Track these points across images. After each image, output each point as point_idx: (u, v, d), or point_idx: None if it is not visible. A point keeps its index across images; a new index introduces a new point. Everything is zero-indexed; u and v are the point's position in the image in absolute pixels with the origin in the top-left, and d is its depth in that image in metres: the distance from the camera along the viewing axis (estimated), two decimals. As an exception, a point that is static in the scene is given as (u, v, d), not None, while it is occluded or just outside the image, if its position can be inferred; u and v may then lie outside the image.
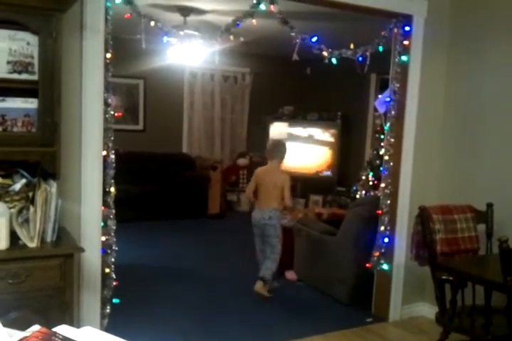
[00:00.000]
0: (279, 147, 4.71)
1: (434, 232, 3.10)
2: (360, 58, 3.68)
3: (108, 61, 2.93)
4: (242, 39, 5.17)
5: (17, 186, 2.45)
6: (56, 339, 0.85)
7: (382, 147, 4.36)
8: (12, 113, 2.41)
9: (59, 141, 2.50)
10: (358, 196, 5.54)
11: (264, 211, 4.53)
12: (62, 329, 0.91)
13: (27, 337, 0.84)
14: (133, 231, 5.91)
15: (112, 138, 3.01)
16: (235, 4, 4.72)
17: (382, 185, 3.97)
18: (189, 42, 3.54)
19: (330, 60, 3.58)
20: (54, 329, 0.89)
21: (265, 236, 4.55)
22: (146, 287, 4.54)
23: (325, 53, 3.55)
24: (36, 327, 0.88)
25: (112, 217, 3.06)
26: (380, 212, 3.94)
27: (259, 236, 4.62)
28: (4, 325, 1.02)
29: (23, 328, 0.98)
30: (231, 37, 3.44)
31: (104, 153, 2.98)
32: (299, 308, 4.23)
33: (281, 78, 8.48)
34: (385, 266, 3.94)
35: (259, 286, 4.44)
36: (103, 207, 3.01)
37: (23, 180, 2.48)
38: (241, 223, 6.83)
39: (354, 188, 5.85)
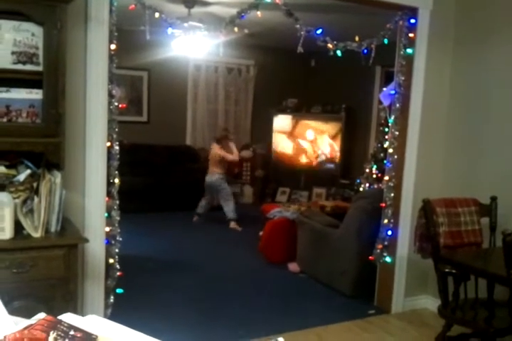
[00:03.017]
0: (228, 135, 6.90)
1: (438, 225, 3.11)
2: (365, 51, 3.65)
3: (112, 52, 2.93)
4: (246, 31, 5.15)
5: (21, 176, 2.46)
6: (61, 327, 0.86)
7: (386, 140, 4.34)
8: (17, 104, 2.42)
9: (63, 131, 2.51)
10: (361, 189, 5.53)
11: (213, 176, 6.66)
12: (68, 318, 0.92)
13: (33, 324, 0.85)
14: (137, 223, 5.93)
15: (116, 129, 3.01)
16: (240, -4, 4.70)
17: (386, 177, 3.97)
18: (193, 34, 3.52)
19: (335, 52, 3.57)
20: (59, 317, 0.90)
21: (218, 190, 6.64)
22: (149, 277, 4.56)
23: (330, 45, 3.53)
24: (42, 315, 0.89)
25: (115, 207, 3.07)
26: (383, 204, 3.93)
27: (210, 193, 6.76)
28: (8, 314, 1.03)
29: (27, 317, 0.99)
30: (235, 29, 3.42)
31: (109, 144, 2.99)
32: (302, 300, 4.25)
33: (285, 70, 8.45)
34: (388, 259, 3.94)
35: (232, 224, 6.60)
36: (107, 198, 3.02)
37: (28, 171, 2.49)
38: (244, 214, 6.86)
39: (358, 181, 5.84)
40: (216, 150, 6.77)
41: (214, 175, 6.69)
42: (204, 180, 6.80)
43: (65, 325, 0.87)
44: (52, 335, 0.83)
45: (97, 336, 0.87)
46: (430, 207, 3.11)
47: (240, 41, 6.78)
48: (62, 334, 0.84)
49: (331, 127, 8.04)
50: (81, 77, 2.84)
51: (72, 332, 0.86)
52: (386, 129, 4.67)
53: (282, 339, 0.84)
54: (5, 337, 0.81)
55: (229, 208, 6.64)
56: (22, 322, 0.90)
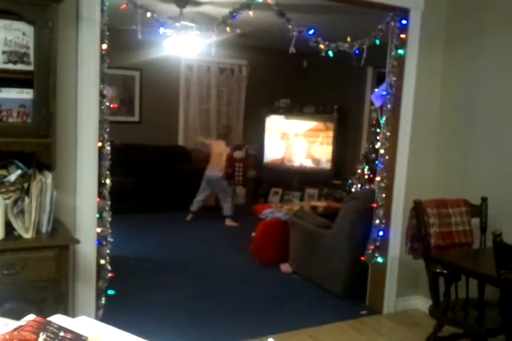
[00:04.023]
0: (226, 131, 7.33)
1: (429, 226, 3.12)
2: (357, 51, 3.66)
3: (104, 52, 2.92)
4: (238, 31, 5.15)
5: (12, 177, 2.44)
6: (51, 328, 0.85)
7: (377, 140, 4.36)
8: (7, 103, 2.40)
9: (54, 132, 2.49)
10: (353, 189, 5.54)
11: (215, 171, 6.83)
12: (58, 319, 0.91)
13: (22, 326, 0.84)
14: (128, 223, 5.90)
15: (108, 129, 3.00)
16: (232, -4, 4.69)
17: (378, 178, 3.98)
18: (185, 33, 3.52)
19: (326, 52, 3.57)
20: (49, 319, 0.90)
21: (216, 187, 6.90)
22: (141, 278, 4.55)
23: (322, 46, 3.53)
24: (31, 317, 0.88)
25: (107, 208, 3.06)
26: (375, 205, 3.95)
27: (207, 188, 6.93)
28: (-1, 315, 1.03)
29: (18, 319, 0.98)
30: (227, 29, 3.42)
31: (100, 144, 2.97)
32: (294, 301, 4.25)
33: (277, 71, 8.45)
34: (380, 259, 3.95)
35: (228, 221, 6.86)
36: (98, 199, 3.01)
37: (18, 171, 2.47)
38: (236, 215, 6.85)
39: (350, 182, 5.85)
40: (223, 146, 6.99)
41: (216, 170, 6.87)
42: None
43: (55, 326, 0.86)
44: (41, 337, 0.83)
45: (87, 337, 0.86)
46: (421, 207, 3.13)
47: (232, 41, 6.77)
48: (52, 336, 0.84)
49: (323, 128, 8.05)
50: (72, 76, 2.83)
51: (62, 334, 0.85)
52: (378, 130, 4.69)
53: (272, 340, 0.84)
54: (-6, 338, 0.81)
55: (228, 205, 6.91)
56: (12, 324, 0.90)
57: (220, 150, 6.96)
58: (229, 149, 7.10)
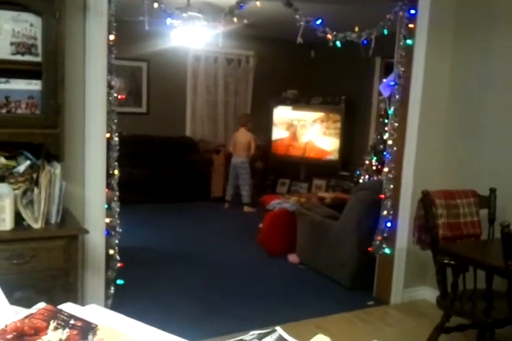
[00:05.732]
0: (246, 118, 7.52)
1: (437, 217, 3.11)
2: (365, 41, 3.64)
3: (111, 43, 2.92)
4: (245, 21, 5.14)
5: (21, 168, 2.46)
6: (61, 316, 0.86)
7: (386, 131, 4.34)
8: (16, 95, 2.42)
9: (63, 122, 2.51)
10: (361, 180, 5.53)
11: (240, 157, 7.22)
12: (68, 307, 0.92)
13: (33, 314, 0.85)
14: (136, 214, 5.94)
15: (116, 120, 3.01)
16: (240, -14, 4.66)
17: (386, 169, 3.97)
18: (192, 24, 3.52)
19: (334, 43, 3.56)
20: (59, 307, 0.91)
21: (239, 174, 7.20)
22: (149, 268, 4.57)
23: (329, 36, 3.52)
24: (42, 305, 0.89)
25: (115, 199, 3.08)
26: (383, 196, 3.94)
27: (234, 175, 7.25)
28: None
29: (28, 307, 0.99)
30: (235, 19, 3.41)
31: (108, 135, 2.99)
32: (301, 291, 4.27)
33: (285, 61, 8.41)
34: (387, 250, 3.95)
35: (246, 208, 7.19)
36: (107, 190, 3.03)
37: (27, 162, 2.49)
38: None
39: (357, 173, 5.84)
40: (246, 133, 7.31)
41: (241, 156, 7.25)
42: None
43: (65, 314, 0.87)
44: (52, 324, 0.84)
45: (97, 325, 0.87)
46: (429, 198, 3.12)
47: (239, 31, 6.74)
48: (63, 323, 0.85)
49: (330, 118, 8.02)
50: (80, 67, 2.84)
51: (72, 321, 0.86)
52: (386, 121, 4.67)
53: (279, 328, 0.85)
54: (6, 325, 0.82)
55: (246, 193, 7.23)
56: (22, 312, 0.91)
57: (245, 138, 7.28)
58: (253, 135, 7.35)
